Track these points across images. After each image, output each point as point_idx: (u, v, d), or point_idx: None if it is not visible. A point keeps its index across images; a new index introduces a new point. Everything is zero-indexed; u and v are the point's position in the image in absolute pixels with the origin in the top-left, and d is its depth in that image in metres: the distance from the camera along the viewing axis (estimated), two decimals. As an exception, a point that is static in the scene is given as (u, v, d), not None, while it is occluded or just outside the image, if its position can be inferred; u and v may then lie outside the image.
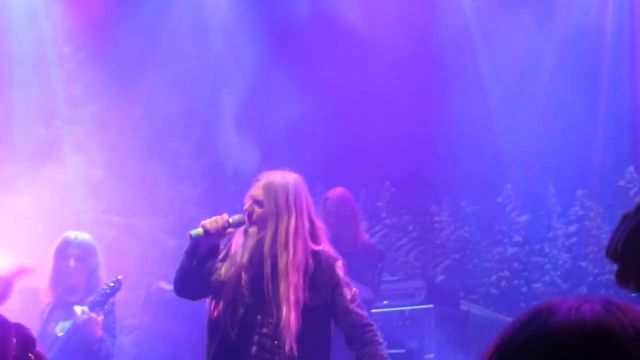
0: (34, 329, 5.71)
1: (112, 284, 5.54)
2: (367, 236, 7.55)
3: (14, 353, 2.26)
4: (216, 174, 10.96)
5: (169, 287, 5.70)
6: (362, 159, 10.48)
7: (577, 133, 9.56)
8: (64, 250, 5.92)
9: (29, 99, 10.46)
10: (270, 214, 4.43)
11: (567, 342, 1.07)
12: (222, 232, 4.43)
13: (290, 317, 4.30)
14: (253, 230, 4.48)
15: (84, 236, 6.04)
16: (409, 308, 7.69)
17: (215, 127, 10.57)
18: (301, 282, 4.37)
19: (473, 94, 9.99)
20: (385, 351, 4.51)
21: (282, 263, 4.37)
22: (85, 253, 5.88)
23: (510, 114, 9.75)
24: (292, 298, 4.31)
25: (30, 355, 2.58)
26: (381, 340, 4.51)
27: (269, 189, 4.46)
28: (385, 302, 7.69)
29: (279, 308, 4.34)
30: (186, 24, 10.81)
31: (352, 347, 4.51)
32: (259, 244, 4.46)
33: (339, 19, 10.15)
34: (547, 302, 1.15)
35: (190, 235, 4.42)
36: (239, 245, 4.51)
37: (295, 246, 4.37)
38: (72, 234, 6.05)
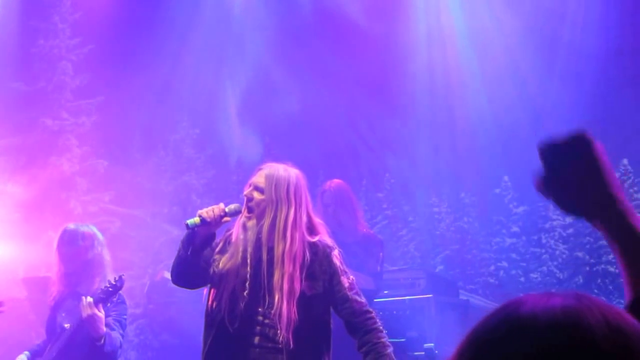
0: (41, 317, 5.83)
1: (114, 282, 5.49)
2: (366, 226, 7.51)
3: None
4: (219, 164, 11.04)
5: (171, 276, 5.67)
6: (363, 150, 10.54)
7: (572, 126, 9.62)
8: (57, 240, 5.97)
9: (36, 91, 10.56)
10: (270, 202, 4.44)
11: (535, 326, 1.06)
12: (219, 221, 4.41)
13: (282, 305, 4.29)
14: (252, 223, 4.47)
15: (72, 225, 6.05)
16: (408, 297, 7.65)
17: (219, 119, 10.64)
18: (297, 273, 4.36)
19: (472, 87, 10.05)
20: (387, 338, 4.44)
21: (278, 252, 4.37)
22: (71, 240, 5.85)
23: (507, 107, 9.81)
24: (286, 287, 4.31)
25: None
26: (381, 328, 4.46)
27: (271, 178, 4.47)
28: (386, 292, 7.66)
29: (272, 296, 4.34)
30: (190, 18, 10.87)
31: (353, 335, 4.47)
32: (258, 235, 4.45)
33: (340, 12, 10.21)
34: (518, 297, 1.15)
35: (187, 224, 4.41)
36: (238, 238, 4.49)
37: (292, 236, 4.38)
38: (69, 225, 6.09)
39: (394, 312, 7.52)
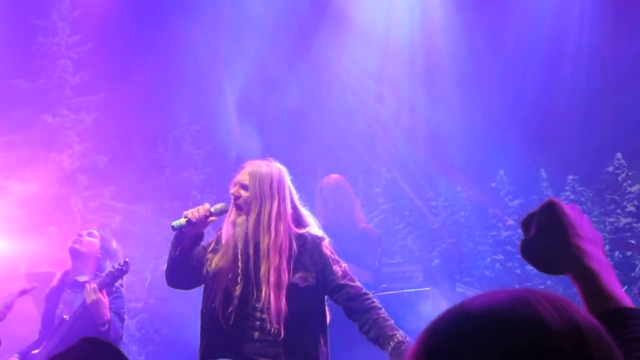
0: (40, 310, 5.90)
1: (120, 266, 5.57)
2: (365, 220, 7.55)
3: None
4: (219, 160, 11.08)
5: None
6: (360, 146, 10.59)
7: (567, 120, 9.69)
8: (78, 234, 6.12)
9: (36, 88, 10.62)
10: (255, 198, 4.52)
11: (487, 322, 1.05)
12: (204, 221, 4.50)
13: (270, 297, 4.36)
14: (241, 219, 4.54)
15: (102, 232, 6.26)
16: (406, 290, 7.73)
17: (218, 115, 10.68)
18: (283, 265, 4.42)
19: (466, 83, 10.11)
20: (386, 313, 4.47)
21: (263, 245, 4.44)
22: (90, 234, 6.02)
23: (503, 102, 9.86)
24: (272, 279, 4.37)
25: None
26: (380, 305, 4.49)
27: (254, 175, 4.55)
28: (384, 285, 7.73)
29: (259, 289, 4.41)
30: (188, 15, 10.90)
31: (353, 318, 4.51)
32: (245, 231, 4.52)
33: (338, 8, 10.26)
34: (466, 298, 1.13)
35: (173, 226, 4.50)
36: (228, 236, 4.56)
37: (276, 229, 4.45)
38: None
39: (392, 305, 7.56)
